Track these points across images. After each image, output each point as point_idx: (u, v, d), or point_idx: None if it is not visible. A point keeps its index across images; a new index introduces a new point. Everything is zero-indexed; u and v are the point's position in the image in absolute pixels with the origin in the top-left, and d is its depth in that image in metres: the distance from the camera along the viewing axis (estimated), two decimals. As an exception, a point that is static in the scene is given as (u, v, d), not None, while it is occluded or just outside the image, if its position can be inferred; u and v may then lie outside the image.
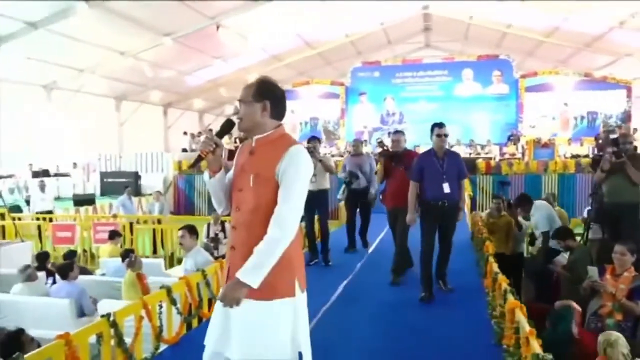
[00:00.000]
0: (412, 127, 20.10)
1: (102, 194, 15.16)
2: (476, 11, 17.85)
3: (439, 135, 5.11)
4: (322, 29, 18.64)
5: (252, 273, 2.09)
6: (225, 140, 11.60)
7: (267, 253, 2.10)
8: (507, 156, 16.32)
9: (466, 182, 5.73)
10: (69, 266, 5.42)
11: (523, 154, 16.25)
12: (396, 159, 5.82)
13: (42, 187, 11.26)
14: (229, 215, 2.37)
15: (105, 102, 19.43)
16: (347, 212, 7.56)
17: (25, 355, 2.54)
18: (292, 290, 2.21)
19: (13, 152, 15.46)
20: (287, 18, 16.27)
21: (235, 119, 2.36)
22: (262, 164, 2.21)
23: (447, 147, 5.30)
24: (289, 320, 2.20)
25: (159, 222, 10.30)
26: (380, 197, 6.57)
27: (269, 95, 2.26)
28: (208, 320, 4.82)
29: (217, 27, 15.61)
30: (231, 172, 2.37)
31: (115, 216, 11.35)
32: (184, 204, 15.78)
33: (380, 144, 6.50)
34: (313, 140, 7.06)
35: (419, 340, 4.12)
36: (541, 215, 6.50)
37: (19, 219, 10.43)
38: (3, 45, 12.99)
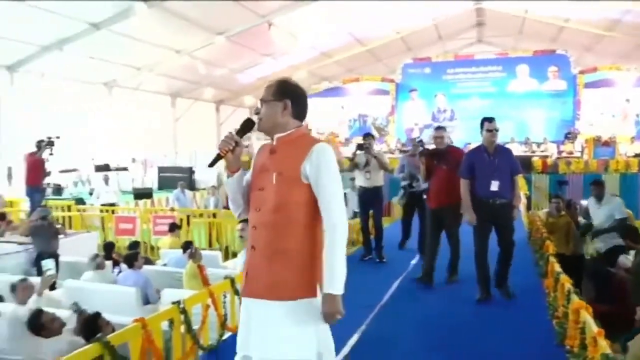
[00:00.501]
0: (463, 124, 19.84)
1: (159, 188, 15.71)
2: (532, 6, 17.34)
3: (489, 130, 4.96)
4: (372, 26, 18.57)
5: (333, 282, 2.14)
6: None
7: (333, 259, 2.14)
8: (564, 155, 15.80)
9: (521, 181, 5.52)
10: (134, 256, 5.69)
11: (582, 152, 15.68)
12: (438, 157, 5.62)
13: (106, 181, 11.81)
14: (245, 220, 2.38)
15: (161, 99, 20.08)
16: (404, 214, 7.41)
17: (108, 336, 2.70)
18: (314, 291, 2.19)
19: (76, 147, 16.21)
20: (338, 15, 16.32)
21: (256, 118, 2.34)
22: (285, 163, 2.20)
23: (497, 142, 5.10)
24: (311, 320, 2.18)
25: (214, 216, 10.57)
26: (424, 197, 6.40)
27: (289, 95, 2.26)
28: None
29: (269, 26, 15.85)
30: (249, 174, 2.36)
31: (173, 209, 11.74)
32: (235, 199, 16.11)
33: (420, 143, 6.37)
34: (368, 137, 7.07)
35: (476, 340, 4.10)
36: (618, 204, 6.44)
37: (84, 210, 10.94)
38: (67, 45, 13.66)
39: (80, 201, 12.33)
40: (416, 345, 3.97)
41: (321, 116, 21.38)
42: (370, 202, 6.84)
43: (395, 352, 3.85)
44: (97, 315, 3.53)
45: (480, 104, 19.69)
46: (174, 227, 8.34)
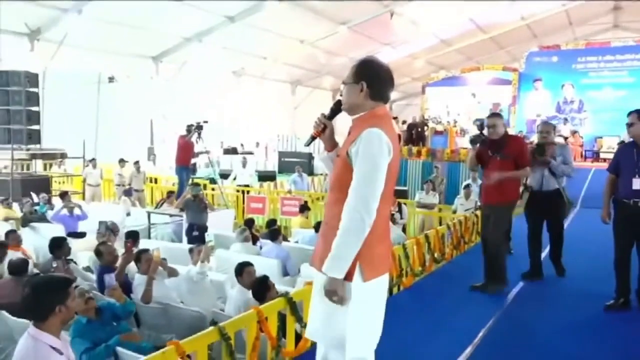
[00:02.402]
0: (593, 116, 18.64)
1: (280, 171, 16.60)
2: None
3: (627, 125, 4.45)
4: (496, 12, 17.98)
5: (333, 265, 2.07)
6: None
7: (342, 244, 2.06)
8: None
9: None
10: (277, 231, 6.25)
11: None
12: (494, 147, 4.85)
13: (244, 164, 12.81)
14: None
15: (282, 87, 21.09)
16: (528, 223, 5.52)
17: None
18: (350, 276, 2.09)
19: (208, 131, 17.63)
20: (461, 2, 16.02)
21: None
22: (344, 145, 2.20)
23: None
24: (343, 306, 2.11)
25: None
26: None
27: (367, 76, 2.20)
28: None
29: (391, 15, 15.98)
30: None
31: (290, 192, 12.42)
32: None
33: (480, 126, 5.43)
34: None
35: (607, 348, 3.96)
36: None
37: (224, 189, 11.96)
38: (206, 37, 14.87)
39: (212, 181, 13.44)
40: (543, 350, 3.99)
41: (438, 105, 21.20)
42: None
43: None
44: (266, 277, 4.06)
45: (613, 95, 18.32)
46: (304, 208, 8.92)
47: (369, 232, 2.09)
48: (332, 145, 2.34)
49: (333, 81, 22.62)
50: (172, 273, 4.60)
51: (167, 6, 12.48)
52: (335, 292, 2.07)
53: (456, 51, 21.23)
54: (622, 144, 4.82)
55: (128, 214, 9.46)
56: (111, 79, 16.24)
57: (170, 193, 9.65)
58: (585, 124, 18.84)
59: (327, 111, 2.41)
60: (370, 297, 2.19)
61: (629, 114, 4.46)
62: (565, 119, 19.01)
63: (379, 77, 2.23)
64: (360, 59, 2.28)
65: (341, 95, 2.30)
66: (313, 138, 2.37)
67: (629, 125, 4.42)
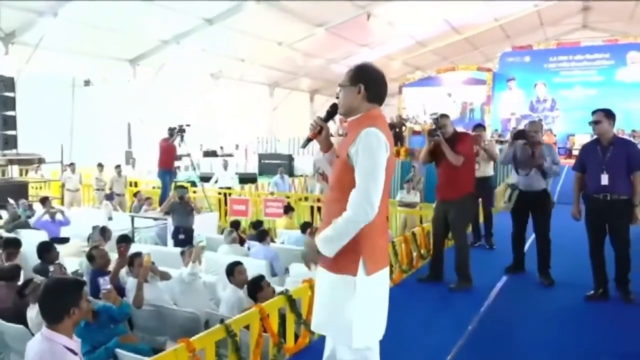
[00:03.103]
0: (565, 114, 19.15)
1: (260, 173, 16.60)
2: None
3: (590, 123, 4.66)
4: (470, 14, 18.33)
5: (325, 243, 2.18)
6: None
7: (339, 229, 2.15)
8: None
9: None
10: (265, 232, 6.31)
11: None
12: (448, 143, 5.01)
13: (225, 166, 12.81)
14: None
15: (260, 89, 21.09)
16: (514, 222, 5.57)
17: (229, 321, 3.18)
18: (354, 269, 2.20)
19: (187, 133, 17.54)
20: (436, 4, 16.30)
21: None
22: (342, 146, 2.27)
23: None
24: (348, 300, 2.20)
25: (318, 200, 11.16)
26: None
27: (364, 79, 2.28)
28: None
29: (368, 16, 16.15)
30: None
31: (272, 193, 12.45)
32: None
33: (436, 121, 5.33)
34: (478, 128, 7.12)
35: (589, 336, 4.11)
36: None
37: (206, 192, 11.93)
38: (183, 40, 14.81)
39: (193, 184, 13.38)
40: (531, 340, 4.13)
41: (415, 106, 21.48)
42: (479, 191, 6.48)
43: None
44: (261, 277, 4.14)
45: (584, 93, 18.90)
46: (288, 209, 8.98)
47: (370, 227, 2.19)
48: (327, 146, 2.43)
49: (310, 83, 22.73)
50: (164, 276, 4.62)
51: (145, 9, 12.40)
52: (314, 262, 2.29)
53: (431, 52, 21.56)
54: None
55: (110, 219, 9.38)
56: (87, 83, 16.02)
57: (147, 198, 9.62)
58: (557, 122, 19.35)
59: (322, 114, 2.50)
60: (374, 290, 2.28)
61: (594, 112, 4.64)
62: (539, 118, 19.49)
63: (375, 80, 2.32)
64: (356, 64, 2.37)
65: (337, 97, 2.38)
66: (309, 140, 2.44)
67: (595, 122, 4.58)
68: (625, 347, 3.83)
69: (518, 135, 5.80)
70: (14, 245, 5.23)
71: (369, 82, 2.29)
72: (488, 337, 3.98)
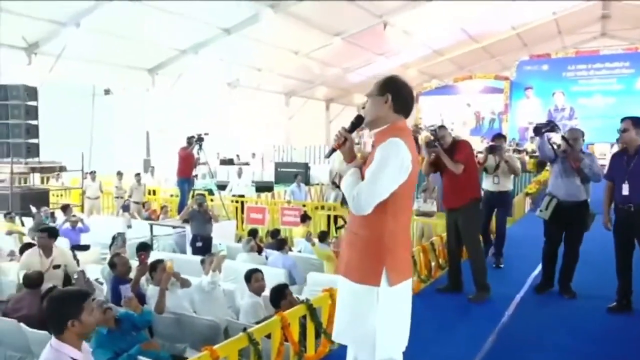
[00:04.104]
0: (584, 123, 18.86)
1: (276, 182, 16.67)
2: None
3: (618, 131, 4.56)
4: (487, 22, 18.28)
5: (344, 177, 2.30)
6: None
7: (347, 184, 2.26)
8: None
9: None
10: (284, 241, 6.33)
11: None
12: (447, 154, 5.01)
13: (240, 174, 12.90)
14: None
15: (277, 98, 21.23)
16: (547, 237, 5.28)
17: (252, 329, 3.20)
18: (377, 280, 2.21)
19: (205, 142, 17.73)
20: (453, 12, 16.29)
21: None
22: (370, 157, 2.28)
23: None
24: (371, 310, 2.21)
25: (334, 209, 11.16)
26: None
27: (391, 90, 2.31)
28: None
29: (384, 26, 16.20)
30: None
31: (289, 202, 12.49)
32: (347, 194, 16.68)
33: (434, 133, 5.37)
34: (498, 138, 6.62)
35: (610, 347, 4.06)
36: None
37: (223, 200, 12.02)
38: (201, 49, 14.99)
39: (210, 192, 13.48)
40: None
41: (432, 114, 21.41)
42: (496, 205, 6.38)
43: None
44: (285, 286, 4.20)
45: (603, 102, 18.70)
46: (305, 218, 9.00)
47: (393, 238, 2.25)
48: (352, 157, 2.42)
49: (327, 91, 22.82)
50: (185, 284, 4.65)
51: (164, 19, 12.59)
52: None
53: (448, 60, 21.52)
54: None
55: (129, 227, 9.50)
56: (107, 92, 16.30)
57: (163, 206, 9.74)
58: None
59: (343, 123, 2.52)
60: (397, 301, 2.29)
61: (623, 120, 4.55)
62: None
63: (402, 91, 2.36)
64: (385, 76, 2.42)
65: (364, 108, 2.41)
66: (333, 150, 2.46)
67: (622, 131, 4.50)
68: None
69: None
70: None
71: (396, 93, 2.32)
72: (507, 349, 3.93)
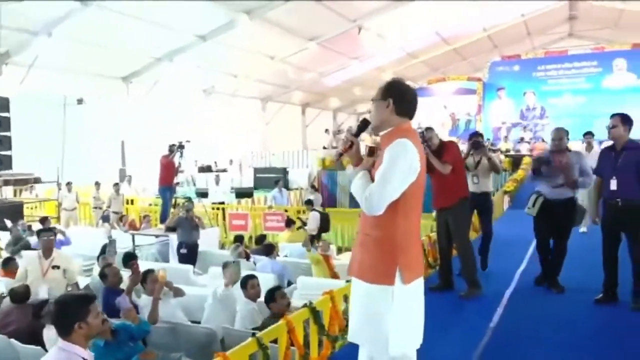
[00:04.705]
0: (555, 122, 19.33)
1: (255, 187, 16.59)
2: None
3: (607, 127, 4.70)
4: (459, 25, 18.59)
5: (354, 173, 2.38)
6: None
7: (355, 186, 2.33)
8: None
9: None
10: (272, 246, 6.31)
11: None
12: (435, 155, 5.15)
13: (217, 181, 12.80)
14: None
15: (253, 104, 21.14)
16: (538, 233, 5.38)
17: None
18: (392, 279, 2.26)
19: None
20: (425, 15, 16.52)
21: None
22: (379, 159, 2.35)
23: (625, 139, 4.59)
24: (387, 309, 2.25)
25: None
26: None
27: (393, 93, 2.40)
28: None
29: (359, 30, 16.31)
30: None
31: (270, 207, 12.47)
32: (327, 197, 16.69)
33: (422, 135, 5.30)
34: (477, 136, 6.48)
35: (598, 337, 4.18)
36: None
37: (204, 207, 11.90)
38: (177, 57, 14.84)
39: (189, 200, 13.35)
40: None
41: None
42: (477, 207, 6.17)
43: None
44: (277, 288, 4.18)
45: (573, 101, 19.20)
46: (290, 223, 8.98)
47: (405, 237, 2.31)
48: (358, 160, 2.47)
49: (302, 96, 22.84)
50: (178, 293, 4.60)
51: (138, 26, 12.42)
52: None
53: (422, 63, 21.77)
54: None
55: (109, 237, 9.32)
56: (80, 101, 15.97)
57: (145, 216, 9.61)
58: (547, 130, 19.57)
59: (354, 128, 2.59)
60: (411, 298, 2.35)
61: (612, 116, 4.69)
62: (525, 127, 19.75)
63: (404, 94, 2.44)
64: (388, 80, 2.50)
65: (369, 112, 2.50)
66: (341, 154, 2.51)
67: (611, 127, 4.64)
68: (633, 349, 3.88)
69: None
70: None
71: (397, 97, 2.40)
72: (504, 345, 4.00)
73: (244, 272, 6.34)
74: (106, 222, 10.37)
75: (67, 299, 2.65)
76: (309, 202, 10.48)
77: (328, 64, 19.31)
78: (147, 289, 4.37)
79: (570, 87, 19.39)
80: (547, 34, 21.92)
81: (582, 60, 19.28)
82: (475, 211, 6.31)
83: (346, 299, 3.76)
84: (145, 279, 4.40)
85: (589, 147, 8.44)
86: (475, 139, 6.36)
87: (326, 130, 21.41)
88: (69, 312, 2.45)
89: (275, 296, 4.01)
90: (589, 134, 8.56)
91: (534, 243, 5.63)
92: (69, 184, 11.69)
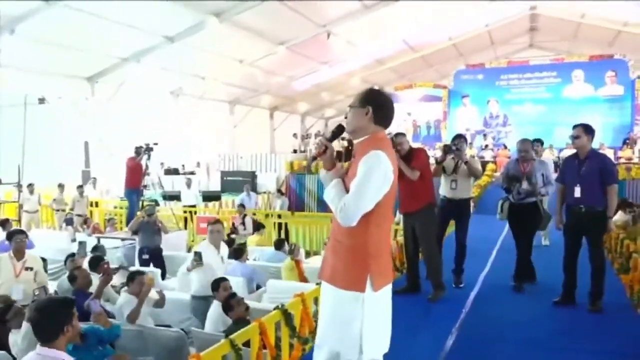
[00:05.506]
0: (517, 129, 19.96)
1: (222, 191, 16.50)
2: (589, 9, 17.34)
3: (571, 137, 4.95)
4: (426, 33, 18.96)
5: (328, 188, 2.39)
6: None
7: (331, 196, 2.35)
8: (623, 160, 15.74)
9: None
10: (241, 250, 6.32)
11: (642, 157, 15.61)
12: (404, 161, 5.22)
13: (189, 184, 12.67)
14: None
15: (221, 107, 20.99)
16: (513, 236, 5.77)
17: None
18: (362, 286, 2.30)
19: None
20: (395, 23, 16.80)
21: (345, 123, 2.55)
22: (353, 165, 2.38)
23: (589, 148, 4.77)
24: (357, 315, 2.28)
25: (279, 217, 11.23)
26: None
27: (372, 102, 2.41)
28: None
29: (328, 35, 16.46)
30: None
31: (239, 211, 12.41)
32: (295, 201, 16.74)
33: (392, 140, 5.14)
34: (458, 138, 6.00)
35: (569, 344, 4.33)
36: None
37: (173, 210, 11.76)
38: (144, 57, 14.63)
39: (155, 202, 13.18)
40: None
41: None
42: (454, 215, 5.94)
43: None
44: (232, 295, 4.21)
45: (534, 109, 19.83)
46: (259, 227, 8.99)
47: (376, 245, 2.35)
48: (332, 164, 2.48)
49: (271, 100, 22.81)
50: (159, 303, 4.58)
51: (104, 26, 12.20)
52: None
53: (389, 69, 22.07)
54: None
55: (73, 240, 9.13)
56: (42, 101, 15.54)
57: (110, 219, 9.46)
58: (510, 137, 20.15)
59: (328, 134, 2.60)
60: (380, 305, 2.40)
61: (575, 126, 4.89)
62: (485, 134, 20.28)
63: (383, 104, 2.46)
64: (366, 88, 2.56)
65: (346, 118, 2.51)
66: (314, 158, 2.53)
67: (575, 137, 4.84)
68: (588, 345, 4.08)
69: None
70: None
71: (377, 106, 2.42)
72: (470, 345, 4.15)
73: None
74: (70, 225, 10.12)
75: (51, 304, 2.62)
76: (242, 206, 10.64)
77: (297, 68, 19.36)
78: (131, 288, 4.35)
79: (532, 96, 20.04)
80: (510, 44, 22.58)
81: (543, 71, 19.96)
82: (453, 219, 6.04)
83: (316, 301, 3.83)
84: (133, 279, 4.38)
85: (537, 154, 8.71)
86: (449, 144, 6.10)
87: (294, 135, 21.45)
88: (56, 316, 2.46)
89: (232, 304, 4.06)
90: (537, 141, 8.77)
91: (497, 246, 5.85)
92: (30, 185, 11.38)
